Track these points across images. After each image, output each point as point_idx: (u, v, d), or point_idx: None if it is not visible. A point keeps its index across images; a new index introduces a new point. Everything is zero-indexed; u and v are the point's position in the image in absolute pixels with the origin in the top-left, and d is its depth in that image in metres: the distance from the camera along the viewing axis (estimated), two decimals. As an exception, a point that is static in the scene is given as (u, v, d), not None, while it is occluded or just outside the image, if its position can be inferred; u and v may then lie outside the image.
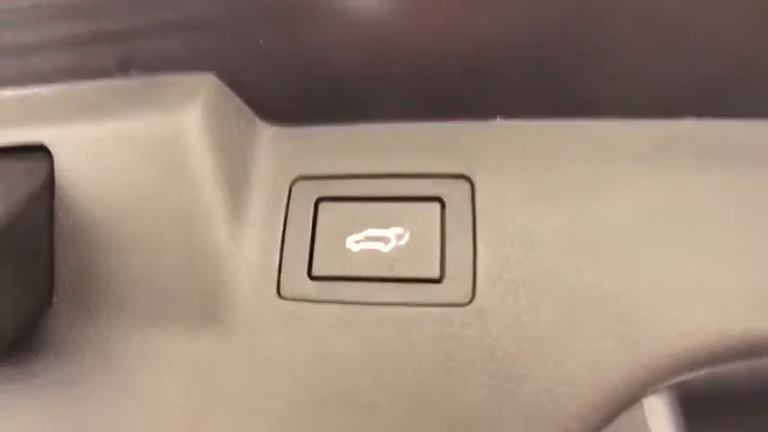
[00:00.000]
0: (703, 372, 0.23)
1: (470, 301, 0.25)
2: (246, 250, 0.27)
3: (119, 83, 0.29)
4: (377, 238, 0.26)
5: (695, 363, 0.23)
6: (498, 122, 0.28)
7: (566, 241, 0.25)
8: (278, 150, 0.29)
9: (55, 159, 0.27)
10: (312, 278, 0.26)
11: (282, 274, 0.26)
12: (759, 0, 0.24)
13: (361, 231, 0.27)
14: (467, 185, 0.27)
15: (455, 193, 0.26)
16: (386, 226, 0.26)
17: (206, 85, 0.28)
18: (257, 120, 0.29)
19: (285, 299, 0.26)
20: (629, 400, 0.23)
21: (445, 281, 0.25)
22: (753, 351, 0.23)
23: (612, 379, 0.23)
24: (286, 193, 0.28)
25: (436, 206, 0.26)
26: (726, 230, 0.24)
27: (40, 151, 0.28)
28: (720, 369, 0.23)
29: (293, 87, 0.28)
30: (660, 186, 0.25)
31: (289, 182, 0.28)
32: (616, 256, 0.24)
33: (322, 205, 0.27)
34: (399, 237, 0.26)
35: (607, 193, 0.25)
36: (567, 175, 0.26)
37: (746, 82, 0.26)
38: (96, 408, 0.26)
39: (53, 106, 0.29)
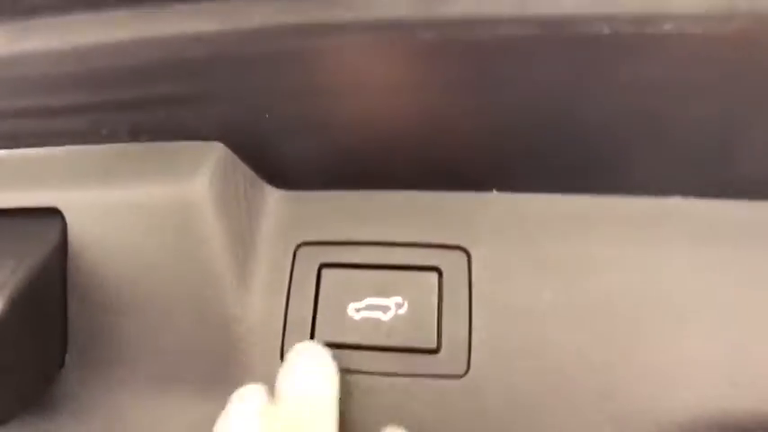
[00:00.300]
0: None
1: (466, 372, 0.26)
2: (252, 315, 0.28)
3: (129, 147, 0.30)
4: (377, 307, 0.27)
5: None
6: (494, 195, 0.28)
7: (557, 315, 0.26)
8: (283, 215, 0.30)
9: (68, 222, 0.28)
10: None
11: (286, 340, 0.27)
12: (735, 90, 0.25)
13: (362, 299, 0.28)
14: (464, 256, 0.28)
15: (452, 264, 0.28)
16: (386, 294, 0.27)
17: (214, 152, 0.28)
18: (263, 184, 0.30)
19: None
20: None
21: (442, 352, 0.26)
22: (731, 429, 0.24)
23: None
24: (290, 258, 0.29)
25: (434, 276, 0.27)
26: (711, 310, 0.25)
27: (52, 213, 0.29)
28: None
29: (299, 154, 0.29)
30: (648, 263, 0.26)
31: (293, 247, 0.29)
32: (604, 332, 0.25)
33: (325, 271, 0.28)
34: (399, 306, 0.27)
35: (597, 268, 0.26)
36: (560, 250, 0.27)
37: (728, 164, 0.27)
38: None
39: (65, 169, 0.29)
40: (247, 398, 0.25)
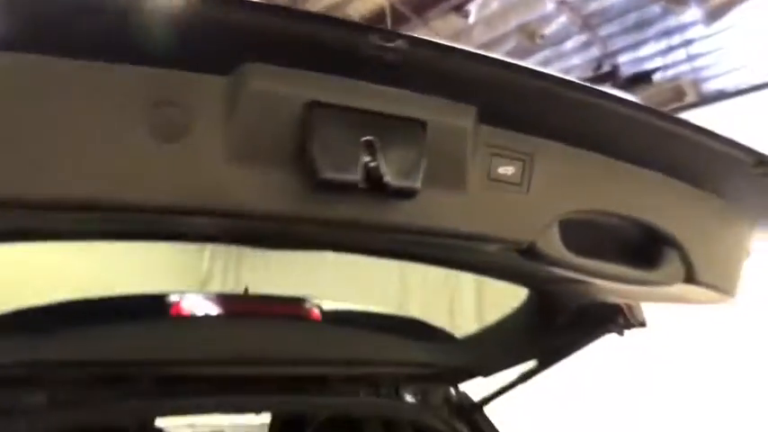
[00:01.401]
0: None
1: (527, 190, 0.90)
2: None
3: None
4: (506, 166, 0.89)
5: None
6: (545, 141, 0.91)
7: (569, 184, 0.91)
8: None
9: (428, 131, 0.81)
10: None
11: None
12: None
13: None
14: (531, 157, 0.90)
15: (528, 159, 0.90)
16: (509, 165, 0.89)
17: (473, 110, 0.84)
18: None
19: None
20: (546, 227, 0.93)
21: (521, 185, 0.89)
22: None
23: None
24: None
25: (521, 163, 0.89)
26: None
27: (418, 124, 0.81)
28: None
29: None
30: None
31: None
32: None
33: None
34: (514, 170, 0.89)
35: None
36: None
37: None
38: None
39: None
40: None
